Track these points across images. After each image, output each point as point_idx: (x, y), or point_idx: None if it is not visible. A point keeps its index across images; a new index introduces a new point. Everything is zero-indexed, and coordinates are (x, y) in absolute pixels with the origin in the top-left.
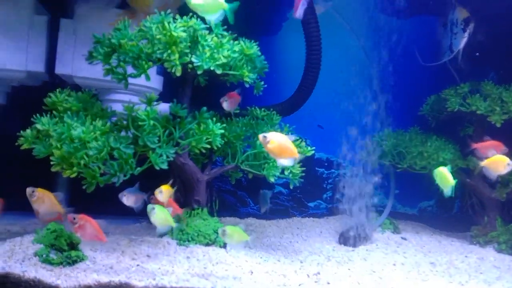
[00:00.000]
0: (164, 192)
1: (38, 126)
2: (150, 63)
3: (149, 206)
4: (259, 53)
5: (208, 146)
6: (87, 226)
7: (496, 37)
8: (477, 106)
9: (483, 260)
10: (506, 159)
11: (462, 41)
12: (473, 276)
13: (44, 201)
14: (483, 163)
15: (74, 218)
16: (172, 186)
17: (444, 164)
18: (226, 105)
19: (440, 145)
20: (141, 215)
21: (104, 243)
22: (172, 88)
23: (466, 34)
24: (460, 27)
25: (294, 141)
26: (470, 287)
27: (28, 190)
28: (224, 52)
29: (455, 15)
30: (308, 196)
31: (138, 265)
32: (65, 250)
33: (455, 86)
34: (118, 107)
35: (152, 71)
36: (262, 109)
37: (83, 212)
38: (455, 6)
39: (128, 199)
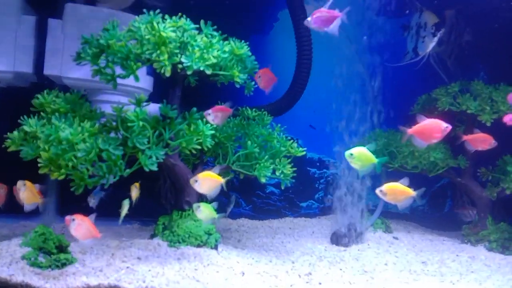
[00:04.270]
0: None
1: (26, 127)
2: (139, 63)
3: (195, 205)
4: (250, 53)
5: (199, 147)
6: (83, 225)
7: (485, 36)
8: (467, 106)
9: (474, 258)
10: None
11: (430, 45)
12: (464, 275)
13: (27, 191)
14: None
15: (73, 220)
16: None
17: (435, 164)
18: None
19: (431, 144)
20: (132, 217)
21: (99, 238)
22: (162, 88)
23: (436, 39)
24: (429, 31)
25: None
26: (461, 286)
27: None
28: (214, 52)
29: (423, 19)
30: (300, 196)
31: (128, 267)
32: (53, 253)
33: (446, 85)
34: (108, 108)
35: (142, 72)
36: (253, 109)
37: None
38: (422, 10)
39: (94, 201)
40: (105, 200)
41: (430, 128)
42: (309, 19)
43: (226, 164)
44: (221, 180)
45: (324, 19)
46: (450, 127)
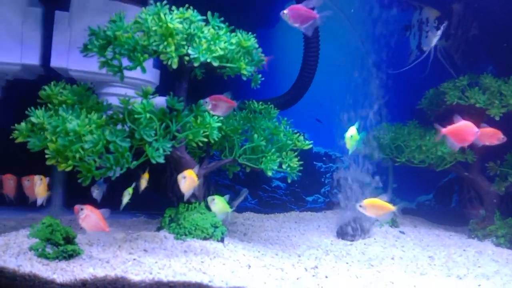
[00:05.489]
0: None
1: (33, 119)
2: (146, 55)
3: (209, 198)
4: (257, 45)
5: (205, 140)
6: (92, 217)
7: (492, 30)
8: (476, 99)
9: (481, 253)
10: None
11: (435, 39)
12: (471, 269)
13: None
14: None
15: (82, 209)
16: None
17: (443, 158)
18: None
19: (439, 139)
20: (138, 209)
21: (107, 232)
22: (169, 81)
23: (440, 32)
24: (432, 25)
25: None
26: (468, 280)
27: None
28: (221, 44)
29: (424, 15)
30: (306, 190)
31: (134, 259)
32: (61, 244)
33: (454, 79)
34: (114, 101)
35: (149, 64)
36: (260, 102)
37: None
38: (421, 7)
39: (97, 192)
40: (111, 193)
41: (465, 130)
42: (285, 11)
43: (232, 157)
44: (197, 182)
45: (301, 16)
46: (480, 132)
